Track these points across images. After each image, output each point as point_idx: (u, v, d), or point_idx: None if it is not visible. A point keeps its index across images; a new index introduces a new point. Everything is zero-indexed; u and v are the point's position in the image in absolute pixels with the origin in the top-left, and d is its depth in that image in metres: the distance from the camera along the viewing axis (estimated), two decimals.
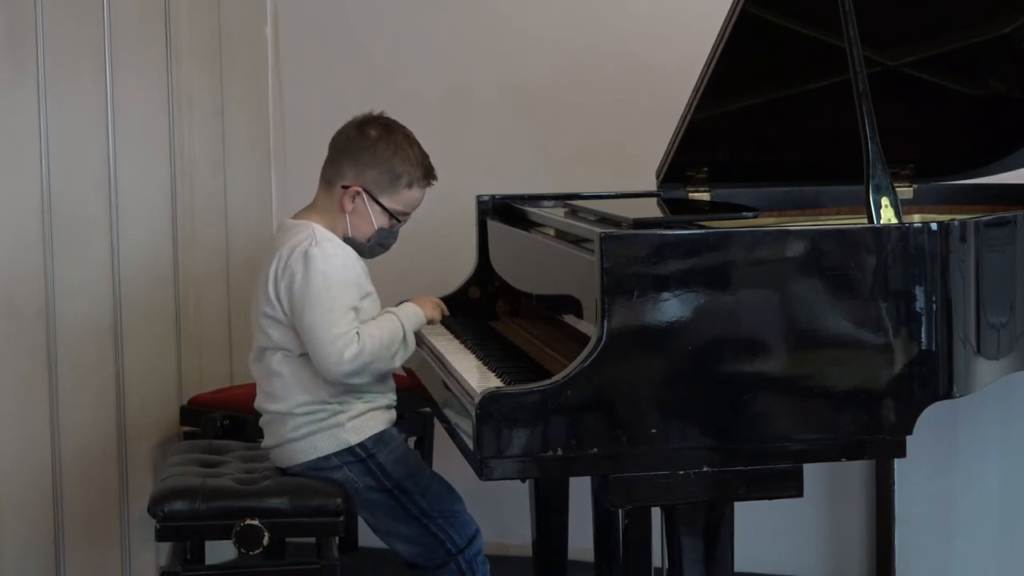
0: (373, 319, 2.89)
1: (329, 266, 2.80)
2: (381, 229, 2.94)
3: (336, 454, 2.88)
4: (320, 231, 2.87)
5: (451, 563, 2.92)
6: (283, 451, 2.92)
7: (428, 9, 4.20)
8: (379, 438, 2.90)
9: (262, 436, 3.01)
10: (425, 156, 2.95)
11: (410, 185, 2.92)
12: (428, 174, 2.94)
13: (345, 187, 2.90)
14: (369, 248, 2.96)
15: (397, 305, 3.08)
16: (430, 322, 3.05)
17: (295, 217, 2.96)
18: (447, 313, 3.15)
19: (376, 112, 2.98)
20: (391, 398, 2.98)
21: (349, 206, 2.90)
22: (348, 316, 2.80)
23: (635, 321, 2.32)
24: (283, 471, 2.95)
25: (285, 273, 2.82)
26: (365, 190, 2.89)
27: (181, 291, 3.90)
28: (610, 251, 2.33)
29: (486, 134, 4.16)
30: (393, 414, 2.98)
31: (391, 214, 2.93)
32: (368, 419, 2.90)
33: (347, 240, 2.92)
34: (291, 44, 4.32)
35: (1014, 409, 3.73)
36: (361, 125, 2.94)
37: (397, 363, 2.90)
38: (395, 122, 2.96)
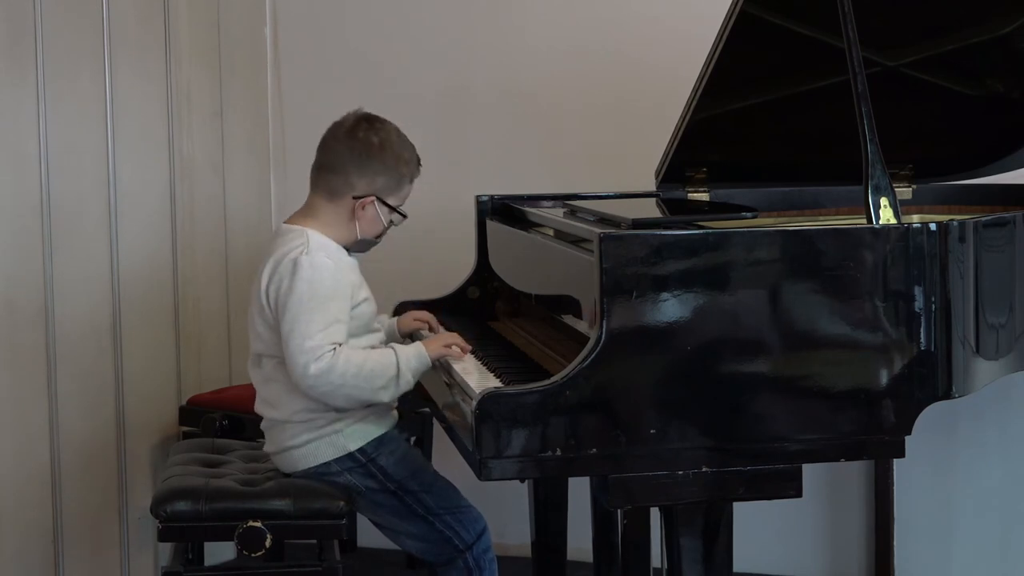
0: (372, 346, 2.86)
1: (316, 276, 2.77)
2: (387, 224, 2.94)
3: (336, 460, 2.86)
4: (315, 239, 2.84)
5: (459, 559, 2.91)
6: (284, 458, 2.91)
7: (427, 9, 4.20)
8: (380, 441, 2.89)
9: (262, 437, 3.00)
10: (413, 147, 2.94)
11: (411, 180, 2.94)
12: (419, 164, 2.96)
13: (357, 197, 2.87)
14: (368, 243, 2.95)
15: (393, 316, 3.11)
16: (442, 359, 2.84)
17: (290, 221, 2.93)
18: (467, 348, 2.88)
19: (354, 111, 2.93)
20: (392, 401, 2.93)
21: (361, 214, 2.88)
22: (329, 329, 2.74)
23: (634, 321, 2.32)
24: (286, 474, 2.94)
25: (275, 279, 2.80)
26: (378, 197, 2.89)
27: (180, 291, 3.90)
28: (609, 251, 2.32)
29: (486, 134, 4.16)
30: (395, 416, 2.97)
31: (395, 210, 2.93)
32: (367, 423, 2.88)
33: (359, 241, 2.91)
34: (290, 45, 4.31)
35: (1014, 409, 3.73)
36: (352, 132, 2.88)
37: (384, 398, 2.79)
38: (381, 119, 2.92)
